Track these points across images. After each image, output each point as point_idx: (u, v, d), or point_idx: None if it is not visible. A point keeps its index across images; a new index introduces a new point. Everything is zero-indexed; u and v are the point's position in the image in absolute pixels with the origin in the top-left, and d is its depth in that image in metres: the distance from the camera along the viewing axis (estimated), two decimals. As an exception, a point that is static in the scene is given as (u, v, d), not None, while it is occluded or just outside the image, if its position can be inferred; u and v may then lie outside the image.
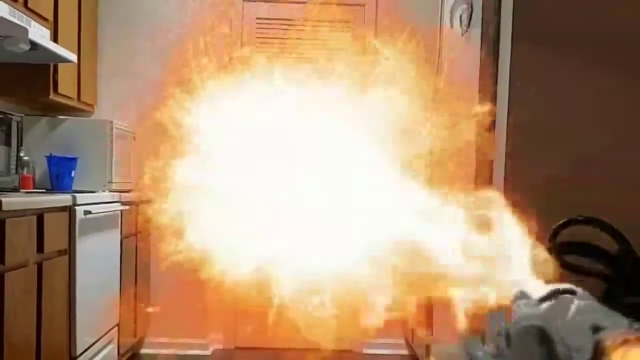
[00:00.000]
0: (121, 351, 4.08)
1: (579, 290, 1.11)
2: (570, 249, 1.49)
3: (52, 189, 3.88)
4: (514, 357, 0.97)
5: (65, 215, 3.18)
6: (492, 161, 2.72)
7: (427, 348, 3.84)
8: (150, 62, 4.61)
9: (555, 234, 1.76)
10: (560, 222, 1.79)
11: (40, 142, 4.05)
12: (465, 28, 3.06)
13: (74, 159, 4.00)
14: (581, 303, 1.03)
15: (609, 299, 1.61)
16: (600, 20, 2.58)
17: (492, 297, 1.22)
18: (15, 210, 2.64)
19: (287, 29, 4.78)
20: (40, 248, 2.89)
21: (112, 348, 3.89)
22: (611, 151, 2.58)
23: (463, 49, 3.11)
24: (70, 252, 3.24)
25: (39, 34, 3.32)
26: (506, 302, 1.18)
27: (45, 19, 3.64)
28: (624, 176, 2.57)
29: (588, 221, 1.78)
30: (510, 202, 2.50)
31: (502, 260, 1.25)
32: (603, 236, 1.74)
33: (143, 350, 4.73)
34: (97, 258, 3.59)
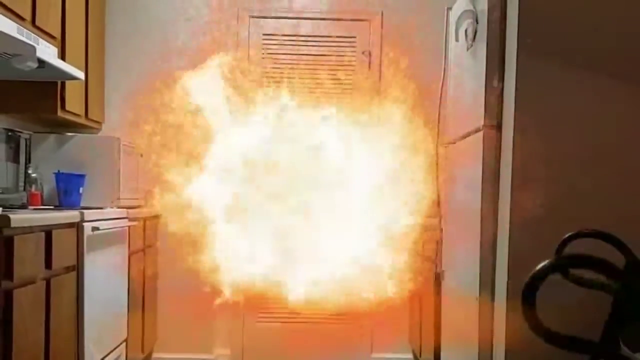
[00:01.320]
0: (129, 367, 4.08)
1: None
2: (577, 262, 1.49)
3: (60, 206, 3.90)
4: None
5: (73, 231, 3.19)
6: (499, 174, 2.73)
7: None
8: (157, 79, 4.63)
9: (562, 246, 1.76)
10: (568, 235, 1.78)
11: (48, 159, 4.07)
12: (470, 42, 3.07)
13: (82, 176, 4.01)
14: None
15: (617, 314, 1.61)
16: (606, 32, 2.59)
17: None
18: (23, 227, 2.65)
19: (293, 45, 4.81)
20: (48, 264, 2.90)
21: (120, 364, 3.90)
22: (621, 163, 2.58)
23: (469, 62, 3.12)
24: (78, 268, 3.25)
25: (47, 51, 3.34)
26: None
27: (52, 37, 3.66)
28: (634, 188, 2.57)
29: (595, 234, 1.78)
30: (518, 215, 2.50)
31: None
32: (610, 250, 1.74)
33: (151, 366, 4.73)
34: (105, 274, 3.60)
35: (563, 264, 1.49)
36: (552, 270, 1.29)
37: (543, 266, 1.28)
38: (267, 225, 2.93)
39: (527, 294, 1.27)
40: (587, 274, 1.63)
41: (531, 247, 2.33)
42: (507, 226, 2.59)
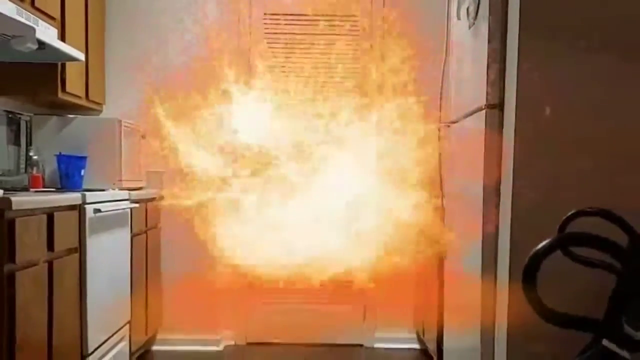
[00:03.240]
0: (133, 348, 4.09)
1: None
2: (578, 240, 1.47)
3: (61, 188, 3.89)
4: None
5: (75, 213, 3.19)
6: (500, 153, 2.71)
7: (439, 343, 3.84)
8: (158, 59, 4.62)
9: (564, 225, 1.75)
10: (569, 213, 1.77)
11: (49, 141, 4.06)
12: (472, 20, 3.05)
13: (84, 158, 4.00)
14: None
15: (621, 292, 1.60)
16: (608, 10, 2.56)
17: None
18: (24, 209, 2.65)
19: (295, 24, 4.78)
20: (50, 246, 2.90)
21: (123, 345, 3.90)
22: (623, 141, 2.56)
23: (470, 41, 3.10)
24: (80, 250, 3.25)
25: (47, 33, 3.32)
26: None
27: (52, 18, 3.64)
28: (636, 167, 2.55)
29: (597, 213, 1.77)
30: (520, 194, 2.49)
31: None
32: (613, 229, 1.73)
33: (155, 347, 4.75)
34: (107, 256, 3.60)
35: (564, 242, 1.48)
36: (553, 249, 1.28)
37: (544, 244, 1.27)
38: (273, 208, 2.93)
39: (528, 272, 1.26)
40: (589, 253, 1.62)
41: (534, 227, 2.32)
42: (510, 206, 2.58)
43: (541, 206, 2.47)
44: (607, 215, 1.72)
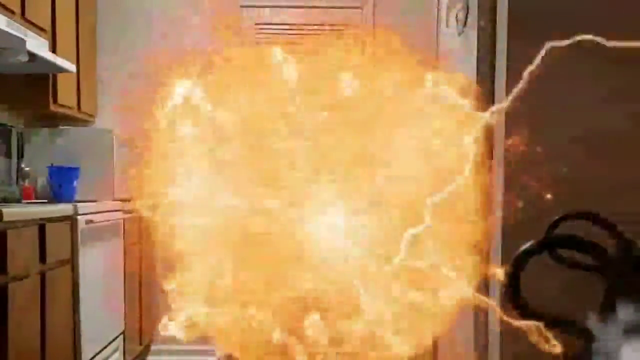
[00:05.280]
0: (127, 359, 4.08)
1: None
2: (561, 242, 1.48)
3: (54, 199, 3.89)
4: None
5: (67, 224, 3.19)
6: (491, 160, 2.71)
7: None
8: (149, 70, 4.62)
9: (551, 229, 1.75)
10: (556, 217, 1.77)
11: (41, 152, 4.06)
12: (461, 28, 3.06)
13: (76, 169, 4.00)
14: None
15: (611, 294, 1.60)
16: (599, 18, 2.57)
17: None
18: (16, 221, 2.65)
19: (286, 34, 4.79)
20: (42, 258, 2.90)
21: (117, 356, 3.90)
22: (617, 149, 2.56)
23: (460, 48, 3.11)
24: (73, 261, 3.25)
25: (37, 44, 3.33)
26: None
27: (43, 30, 3.65)
28: (627, 172, 2.55)
29: (585, 217, 1.77)
30: (509, 200, 2.48)
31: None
32: (601, 233, 1.73)
33: (149, 358, 4.73)
34: (100, 267, 3.60)
35: (546, 244, 1.49)
36: (536, 251, 1.29)
37: (527, 247, 1.28)
38: (270, 218, 2.90)
39: (511, 275, 1.27)
40: (577, 257, 1.63)
41: (525, 226, 2.32)
42: (500, 217, 2.58)
43: (531, 217, 2.47)
44: (594, 218, 1.73)
